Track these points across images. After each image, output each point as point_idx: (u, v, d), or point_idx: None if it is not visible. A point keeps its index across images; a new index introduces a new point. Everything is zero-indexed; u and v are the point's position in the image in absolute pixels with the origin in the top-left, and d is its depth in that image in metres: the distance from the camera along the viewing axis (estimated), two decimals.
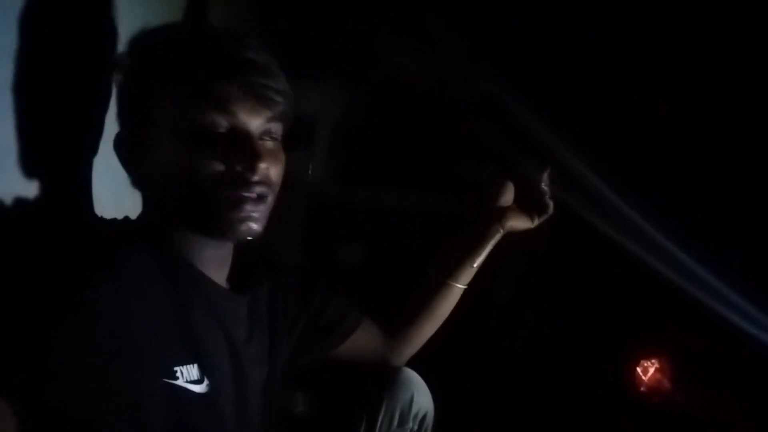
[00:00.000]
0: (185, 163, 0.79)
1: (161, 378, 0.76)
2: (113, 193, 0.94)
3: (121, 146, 0.83)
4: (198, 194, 0.79)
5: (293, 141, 1.61)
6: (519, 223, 1.10)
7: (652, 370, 1.68)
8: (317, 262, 1.69)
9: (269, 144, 0.84)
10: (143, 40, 0.84)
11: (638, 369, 1.68)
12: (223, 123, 0.79)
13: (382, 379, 1.03)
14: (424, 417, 1.05)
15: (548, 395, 1.64)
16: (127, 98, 0.84)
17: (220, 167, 0.79)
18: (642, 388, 1.68)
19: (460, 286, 1.09)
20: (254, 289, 0.94)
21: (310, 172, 1.68)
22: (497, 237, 1.09)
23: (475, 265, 1.09)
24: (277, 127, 0.85)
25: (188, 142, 0.78)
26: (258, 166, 0.79)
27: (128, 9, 1.00)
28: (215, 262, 0.87)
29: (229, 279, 0.91)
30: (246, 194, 0.80)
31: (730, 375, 1.55)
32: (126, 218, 0.87)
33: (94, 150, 0.94)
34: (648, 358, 1.68)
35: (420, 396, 1.04)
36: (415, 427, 1.04)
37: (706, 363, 1.57)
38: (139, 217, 0.87)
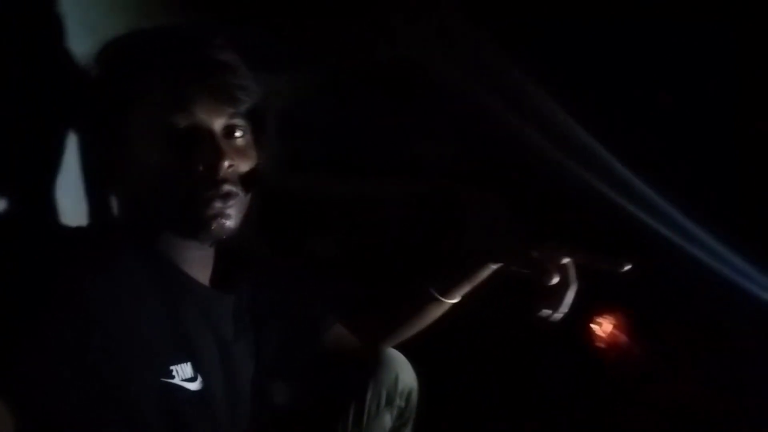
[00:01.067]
0: (152, 166, 0.80)
1: (159, 378, 0.78)
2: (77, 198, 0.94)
3: (96, 153, 0.85)
4: (166, 196, 0.81)
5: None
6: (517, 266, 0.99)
7: (609, 327, 1.75)
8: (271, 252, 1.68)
9: (237, 142, 0.84)
10: (112, 46, 0.84)
11: (595, 326, 1.75)
12: (183, 123, 0.80)
13: (366, 362, 1.04)
14: (409, 393, 1.07)
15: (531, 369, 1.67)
16: (98, 105, 0.84)
17: (183, 168, 0.80)
18: (600, 344, 1.74)
19: (450, 302, 1.05)
20: (237, 286, 0.94)
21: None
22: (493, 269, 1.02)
23: (469, 288, 1.05)
24: (243, 124, 0.85)
25: (153, 145, 0.80)
26: (220, 164, 0.80)
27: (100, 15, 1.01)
28: (198, 263, 0.88)
29: (213, 278, 0.92)
30: (211, 192, 0.81)
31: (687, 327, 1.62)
32: (107, 221, 0.89)
33: (60, 155, 0.94)
34: (605, 314, 1.75)
35: (404, 374, 1.05)
36: (402, 404, 1.06)
37: (662, 318, 1.64)
38: (120, 220, 0.89)
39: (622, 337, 1.74)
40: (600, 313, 1.75)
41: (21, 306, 0.69)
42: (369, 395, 1.02)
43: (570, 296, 0.93)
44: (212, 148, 0.80)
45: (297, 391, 1.02)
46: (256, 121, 0.88)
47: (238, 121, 0.84)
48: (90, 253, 0.77)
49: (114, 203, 0.90)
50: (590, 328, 1.75)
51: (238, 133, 0.84)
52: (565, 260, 0.93)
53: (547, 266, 0.92)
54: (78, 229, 0.88)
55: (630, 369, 1.68)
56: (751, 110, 1.50)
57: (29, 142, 0.89)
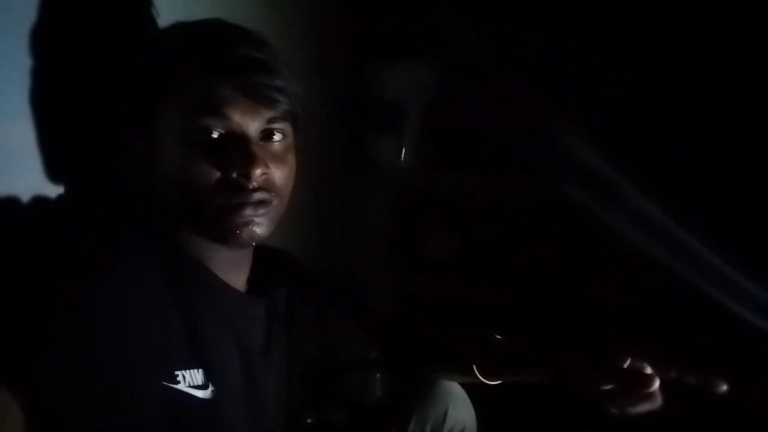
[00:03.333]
0: (182, 169, 0.77)
1: (160, 381, 0.76)
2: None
3: (126, 148, 0.82)
4: (195, 201, 0.78)
5: (384, 125, 1.59)
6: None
7: None
8: (406, 251, 1.65)
9: (275, 146, 0.81)
10: (152, 40, 0.85)
11: None
12: (217, 126, 0.77)
13: (415, 391, 0.98)
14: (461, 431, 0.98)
15: None
16: (132, 99, 0.82)
17: (215, 174, 0.77)
18: None
19: (492, 383, 0.94)
20: (273, 291, 0.91)
21: (402, 157, 1.63)
22: None
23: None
24: (282, 127, 0.81)
25: (185, 147, 0.77)
26: (253, 171, 0.76)
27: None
28: (231, 265, 0.85)
29: (249, 281, 0.89)
30: (243, 200, 0.78)
31: None
32: (133, 215, 0.86)
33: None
34: None
35: (456, 410, 0.97)
36: None
37: None
38: (152, 217, 0.86)
39: None
40: None
41: (29, 301, 0.70)
42: (411, 425, 0.95)
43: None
44: (246, 153, 0.76)
45: (331, 412, 0.99)
46: (296, 124, 0.84)
47: (276, 125, 0.80)
48: (108, 250, 0.76)
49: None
50: None
51: (276, 137, 0.81)
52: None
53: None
54: (99, 222, 0.84)
55: None
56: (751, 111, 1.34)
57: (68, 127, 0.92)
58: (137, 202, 0.86)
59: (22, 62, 0.85)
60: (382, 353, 1.00)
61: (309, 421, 0.97)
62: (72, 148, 0.92)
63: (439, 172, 1.66)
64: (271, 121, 0.79)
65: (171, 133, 0.78)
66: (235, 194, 0.77)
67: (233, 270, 0.86)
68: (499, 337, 0.94)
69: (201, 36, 0.81)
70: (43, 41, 0.86)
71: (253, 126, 0.78)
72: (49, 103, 0.88)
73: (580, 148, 1.32)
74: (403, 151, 1.63)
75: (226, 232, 0.79)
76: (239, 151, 0.77)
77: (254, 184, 0.77)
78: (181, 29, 0.82)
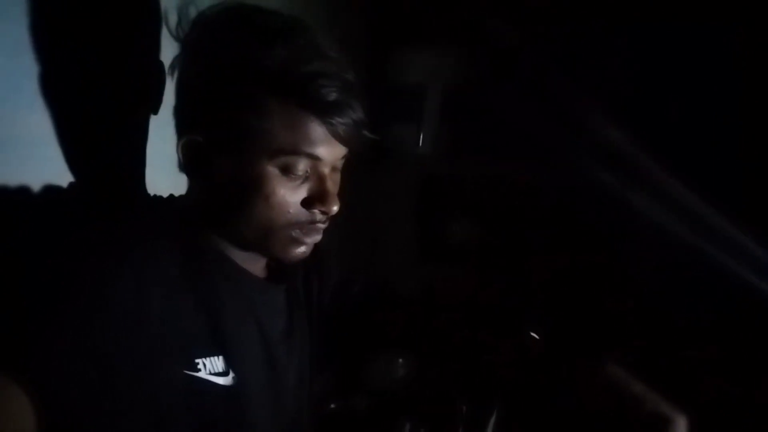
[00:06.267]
0: (260, 194, 0.76)
1: (182, 370, 0.75)
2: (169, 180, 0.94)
3: (189, 148, 0.77)
4: (265, 226, 0.78)
5: (402, 112, 1.58)
6: None
7: None
8: (428, 238, 1.64)
9: (337, 176, 0.82)
10: (236, 41, 0.74)
11: None
12: (307, 163, 0.77)
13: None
14: None
15: None
16: (209, 103, 0.76)
17: (296, 207, 0.78)
18: None
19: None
20: (293, 277, 0.91)
21: (420, 144, 1.62)
22: None
23: None
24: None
25: (268, 173, 0.76)
26: (333, 210, 0.80)
27: None
28: (252, 254, 0.85)
29: (269, 267, 0.89)
30: (308, 229, 0.81)
31: None
32: (169, 201, 0.87)
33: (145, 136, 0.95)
34: None
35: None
36: None
37: None
38: (181, 206, 0.85)
39: None
40: None
41: (48, 291, 0.69)
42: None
43: None
44: (326, 192, 0.79)
45: (352, 398, 0.98)
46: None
47: (345, 157, 0.81)
48: (123, 239, 0.75)
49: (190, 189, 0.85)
50: None
51: (339, 167, 0.82)
52: None
53: None
54: (118, 213, 0.83)
55: None
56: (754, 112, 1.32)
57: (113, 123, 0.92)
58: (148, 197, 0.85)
59: (40, 55, 0.85)
60: (402, 340, 0.99)
61: (330, 407, 0.96)
62: (93, 140, 0.92)
63: (460, 158, 1.65)
64: (344, 156, 0.81)
65: (258, 154, 0.75)
66: (309, 227, 0.80)
67: (253, 257, 0.86)
68: (535, 336, 0.92)
69: (302, 61, 0.74)
70: (62, 35, 0.87)
71: (332, 160, 0.79)
72: (74, 95, 0.89)
73: (602, 133, 1.30)
74: (422, 137, 1.62)
75: (282, 254, 0.81)
76: (322, 189, 0.79)
77: (326, 217, 0.81)
78: (275, 38, 0.74)
